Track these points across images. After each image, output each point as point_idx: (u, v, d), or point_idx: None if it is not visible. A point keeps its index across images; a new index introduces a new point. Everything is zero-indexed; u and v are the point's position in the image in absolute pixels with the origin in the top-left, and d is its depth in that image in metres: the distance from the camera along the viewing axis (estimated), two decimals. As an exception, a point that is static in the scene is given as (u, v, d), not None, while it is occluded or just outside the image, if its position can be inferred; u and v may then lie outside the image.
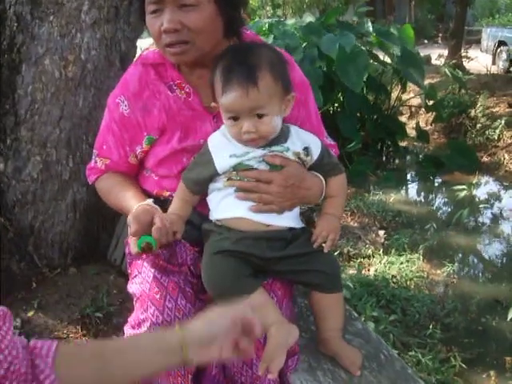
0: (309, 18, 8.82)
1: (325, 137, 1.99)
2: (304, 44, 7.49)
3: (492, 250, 5.47)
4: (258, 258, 1.65)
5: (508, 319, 3.85)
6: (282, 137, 1.69)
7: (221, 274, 1.62)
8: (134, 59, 1.98)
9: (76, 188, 2.90)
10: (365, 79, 7.17)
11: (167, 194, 1.82)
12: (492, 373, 3.38)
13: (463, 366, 3.32)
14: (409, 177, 7.74)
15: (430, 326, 3.73)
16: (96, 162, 1.95)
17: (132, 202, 1.76)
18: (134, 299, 1.76)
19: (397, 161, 8.31)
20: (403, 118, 9.63)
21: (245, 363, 1.61)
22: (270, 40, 7.33)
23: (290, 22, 8.73)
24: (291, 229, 1.72)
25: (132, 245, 1.63)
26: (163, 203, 1.80)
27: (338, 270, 1.81)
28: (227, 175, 1.67)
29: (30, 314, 2.64)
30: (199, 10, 1.61)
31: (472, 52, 13.36)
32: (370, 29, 7.69)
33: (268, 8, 24.28)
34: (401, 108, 9.53)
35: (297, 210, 1.79)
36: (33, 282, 2.83)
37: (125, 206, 1.80)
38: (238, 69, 1.57)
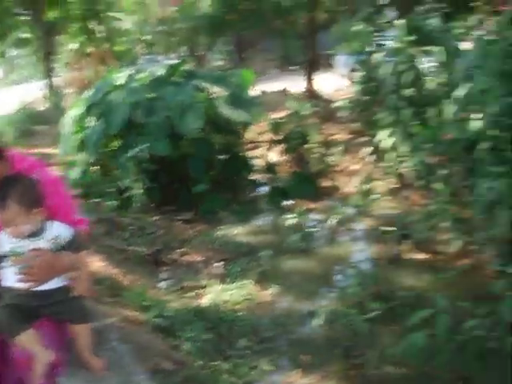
0: (171, 62, 9.77)
1: (74, 215, 2.68)
2: (153, 96, 8.27)
3: (318, 267, 6.31)
4: (27, 307, 2.40)
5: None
6: (41, 230, 2.44)
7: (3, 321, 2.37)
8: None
9: None
10: (206, 124, 8.16)
11: None
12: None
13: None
14: (257, 208, 8.48)
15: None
16: None
17: None
18: None
19: (250, 195, 9.05)
20: (259, 152, 10.38)
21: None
22: (120, 96, 8.15)
23: (143, 74, 9.22)
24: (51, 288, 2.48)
25: None
26: None
27: (85, 309, 2.57)
28: (12, 259, 2.41)
29: None
30: None
31: (328, 75, 14.75)
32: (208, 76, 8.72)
33: (140, 47, 24.65)
34: (259, 143, 10.47)
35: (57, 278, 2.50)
36: None
37: None
38: None
